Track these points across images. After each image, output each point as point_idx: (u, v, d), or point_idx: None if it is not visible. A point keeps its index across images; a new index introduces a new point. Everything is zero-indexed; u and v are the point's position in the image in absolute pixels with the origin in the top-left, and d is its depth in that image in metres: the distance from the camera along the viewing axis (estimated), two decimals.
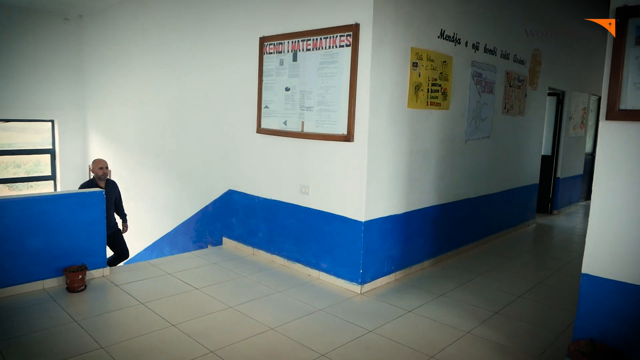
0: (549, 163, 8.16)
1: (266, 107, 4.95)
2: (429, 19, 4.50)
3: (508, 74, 5.95)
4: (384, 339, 3.35)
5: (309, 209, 4.60)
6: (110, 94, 8.42)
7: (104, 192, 5.44)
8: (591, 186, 2.85)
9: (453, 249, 5.40)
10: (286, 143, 4.79)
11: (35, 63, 8.61)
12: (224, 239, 5.70)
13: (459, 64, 4.95)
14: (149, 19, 7.07)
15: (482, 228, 5.94)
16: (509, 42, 5.87)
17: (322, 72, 4.31)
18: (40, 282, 4.05)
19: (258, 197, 5.18)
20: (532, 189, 7.18)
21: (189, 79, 6.29)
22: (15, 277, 3.91)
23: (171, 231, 6.82)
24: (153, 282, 4.39)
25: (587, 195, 9.40)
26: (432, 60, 4.55)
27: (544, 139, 7.61)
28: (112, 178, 6.14)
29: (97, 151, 8.93)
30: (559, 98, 8.07)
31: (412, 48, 4.32)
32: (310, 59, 4.41)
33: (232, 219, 5.58)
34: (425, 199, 4.83)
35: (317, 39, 4.33)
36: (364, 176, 4.10)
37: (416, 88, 4.42)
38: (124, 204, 6.01)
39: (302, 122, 4.54)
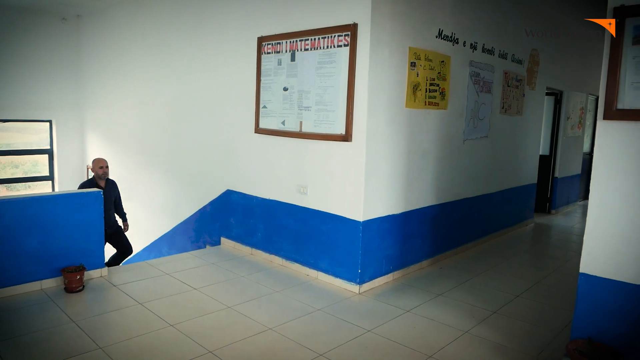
0: (547, 163, 8.17)
1: (264, 107, 4.94)
2: (426, 19, 4.50)
3: (506, 73, 5.95)
4: (382, 338, 3.35)
5: (307, 208, 4.60)
6: (108, 94, 8.41)
7: (104, 192, 5.46)
8: (589, 186, 2.86)
9: (451, 249, 5.41)
10: (284, 143, 4.79)
11: (33, 63, 8.60)
12: (223, 239, 5.70)
13: (457, 63, 4.95)
14: (147, 19, 7.07)
15: (480, 228, 5.94)
16: (506, 42, 5.87)
17: (320, 72, 4.30)
18: (38, 282, 4.04)
19: (256, 197, 5.18)
20: (530, 188, 7.19)
21: (187, 78, 6.28)
22: (13, 278, 3.91)
23: (169, 231, 6.81)
24: (151, 282, 4.39)
25: (585, 195, 9.42)
26: (430, 60, 4.56)
27: (542, 139, 7.61)
28: (111, 178, 6.14)
29: (95, 151, 8.91)
30: (557, 98, 8.08)
31: (410, 48, 4.32)
32: (308, 59, 4.41)
33: (231, 219, 5.58)
34: (424, 199, 4.83)
35: (315, 39, 4.33)
36: (362, 176, 4.10)
37: (414, 88, 4.42)
38: (122, 204, 6.02)
39: (300, 122, 4.54)
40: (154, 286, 4.28)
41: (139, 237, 7.27)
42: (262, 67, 4.92)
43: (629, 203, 2.68)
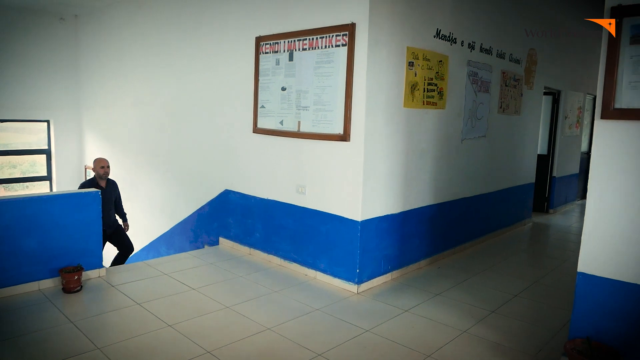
0: (545, 162, 8.18)
1: (262, 107, 4.94)
2: (424, 19, 4.50)
3: (504, 73, 5.96)
4: (380, 338, 3.35)
5: (306, 208, 4.60)
6: (106, 94, 8.39)
7: (105, 192, 5.45)
8: (587, 185, 2.86)
9: (449, 248, 5.41)
10: (282, 143, 4.79)
11: (30, 63, 8.58)
12: (221, 239, 5.69)
13: (454, 63, 4.95)
14: (145, 18, 7.06)
15: (478, 227, 5.95)
16: (504, 42, 5.88)
17: (318, 72, 4.30)
18: (36, 282, 4.03)
19: (255, 197, 5.18)
20: (528, 188, 7.20)
21: (185, 78, 6.27)
22: (11, 278, 3.90)
23: (168, 231, 6.81)
24: (149, 282, 4.38)
25: (583, 194, 9.43)
26: (428, 60, 4.56)
27: (539, 138, 7.63)
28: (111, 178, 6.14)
29: (93, 151, 8.90)
30: (555, 97, 8.09)
31: (408, 47, 4.32)
32: (306, 59, 4.41)
33: (229, 219, 5.57)
34: (422, 199, 4.84)
35: (313, 39, 4.33)
36: (360, 176, 4.10)
37: (412, 87, 4.42)
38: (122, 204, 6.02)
39: (299, 122, 4.54)
40: (153, 286, 4.27)
41: (137, 237, 7.26)
42: (260, 67, 4.91)
43: (627, 202, 2.69)
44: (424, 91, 4.58)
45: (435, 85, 4.70)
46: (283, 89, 4.67)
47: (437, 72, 4.69)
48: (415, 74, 4.43)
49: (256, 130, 5.05)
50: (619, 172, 2.71)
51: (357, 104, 4.05)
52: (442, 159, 5.02)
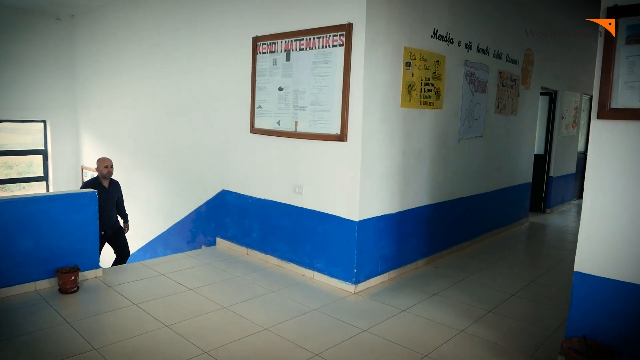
0: (541, 162, 8.21)
1: (259, 107, 4.94)
2: (421, 19, 4.51)
3: (501, 73, 5.97)
4: (378, 338, 3.35)
5: (303, 208, 4.60)
6: (102, 94, 8.37)
7: (108, 192, 5.43)
8: (583, 185, 2.87)
9: (447, 248, 5.42)
10: (280, 143, 4.78)
11: (26, 63, 8.55)
12: (218, 239, 5.69)
13: (451, 63, 4.96)
14: (141, 18, 7.04)
15: (475, 227, 5.96)
16: (501, 42, 5.89)
17: (315, 72, 4.30)
18: (32, 283, 4.01)
19: (252, 197, 5.17)
20: (525, 187, 7.21)
21: (182, 78, 6.26)
22: (7, 279, 3.88)
23: (165, 232, 6.79)
24: (146, 282, 4.37)
25: (580, 194, 9.45)
26: (425, 60, 4.56)
27: (536, 138, 7.65)
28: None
29: (89, 152, 8.88)
30: (552, 97, 8.12)
31: (405, 48, 4.32)
32: (303, 59, 4.40)
33: (226, 219, 5.57)
34: (419, 198, 4.84)
35: (310, 39, 4.32)
36: (357, 176, 4.11)
37: (409, 87, 4.43)
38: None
39: (296, 122, 4.54)
40: (149, 287, 4.26)
41: (134, 238, 7.25)
42: (257, 67, 4.91)
43: (623, 202, 2.70)
44: (421, 91, 4.58)
45: (432, 85, 4.71)
46: (280, 89, 4.67)
47: (434, 72, 4.69)
48: (413, 74, 4.44)
49: (253, 130, 5.05)
50: (615, 172, 2.72)
51: (354, 104, 4.05)
52: (439, 159, 5.02)
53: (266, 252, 5.04)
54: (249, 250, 5.25)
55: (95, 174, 5.68)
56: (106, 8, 7.85)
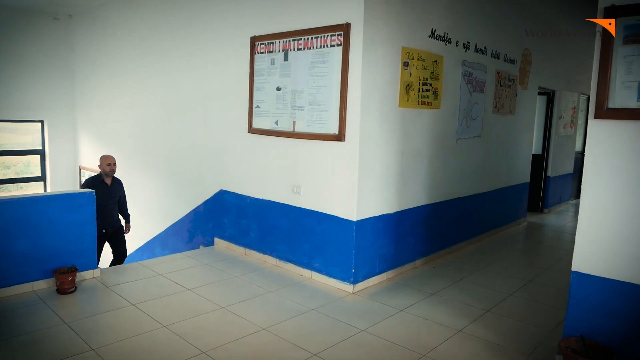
0: (539, 162, 8.21)
1: (257, 107, 4.94)
2: (419, 19, 4.51)
3: (498, 73, 5.98)
4: (376, 338, 3.36)
5: (301, 208, 4.60)
6: (100, 94, 8.36)
7: (110, 190, 5.41)
8: (581, 184, 2.87)
9: (444, 248, 5.42)
10: (278, 143, 4.78)
11: (24, 63, 8.54)
12: (216, 240, 5.68)
13: (449, 63, 4.97)
14: (139, 18, 7.03)
15: (473, 227, 5.96)
16: (499, 42, 5.90)
17: (313, 72, 4.30)
18: (29, 283, 4.01)
19: (250, 197, 5.17)
20: (522, 187, 7.22)
21: (180, 78, 6.26)
22: (4, 279, 3.87)
23: (163, 232, 6.79)
24: (144, 283, 4.37)
25: (578, 194, 9.47)
26: (423, 60, 4.57)
27: (534, 138, 7.66)
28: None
29: (87, 152, 8.86)
30: (549, 97, 8.13)
31: (403, 47, 4.33)
32: (301, 59, 4.40)
33: (224, 219, 5.56)
34: (417, 198, 4.84)
35: (308, 39, 4.32)
36: (355, 175, 4.11)
37: (407, 87, 4.43)
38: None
39: (294, 122, 4.54)
40: (147, 287, 4.26)
41: (132, 238, 7.24)
42: (255, 67, 4.91)
43: (621, 201, 2.70)
44: (419, 91, 4.58)
45: (430, 85, 4.71)
46: (278, 89, 4.67)
47: (432, 72, 4.69)
48: (410, 74, 4.44)
49: (251, 130, 5.04)
50: (612, 172, 2.72)
51: (352, 104, 4.05)
52: (437, 158, 5.03)
53: (264, 252, 5.04)
54: (247, 250, 5.25)
55: (95, 174, 5.67)
56: (104, 8, 7.83)
